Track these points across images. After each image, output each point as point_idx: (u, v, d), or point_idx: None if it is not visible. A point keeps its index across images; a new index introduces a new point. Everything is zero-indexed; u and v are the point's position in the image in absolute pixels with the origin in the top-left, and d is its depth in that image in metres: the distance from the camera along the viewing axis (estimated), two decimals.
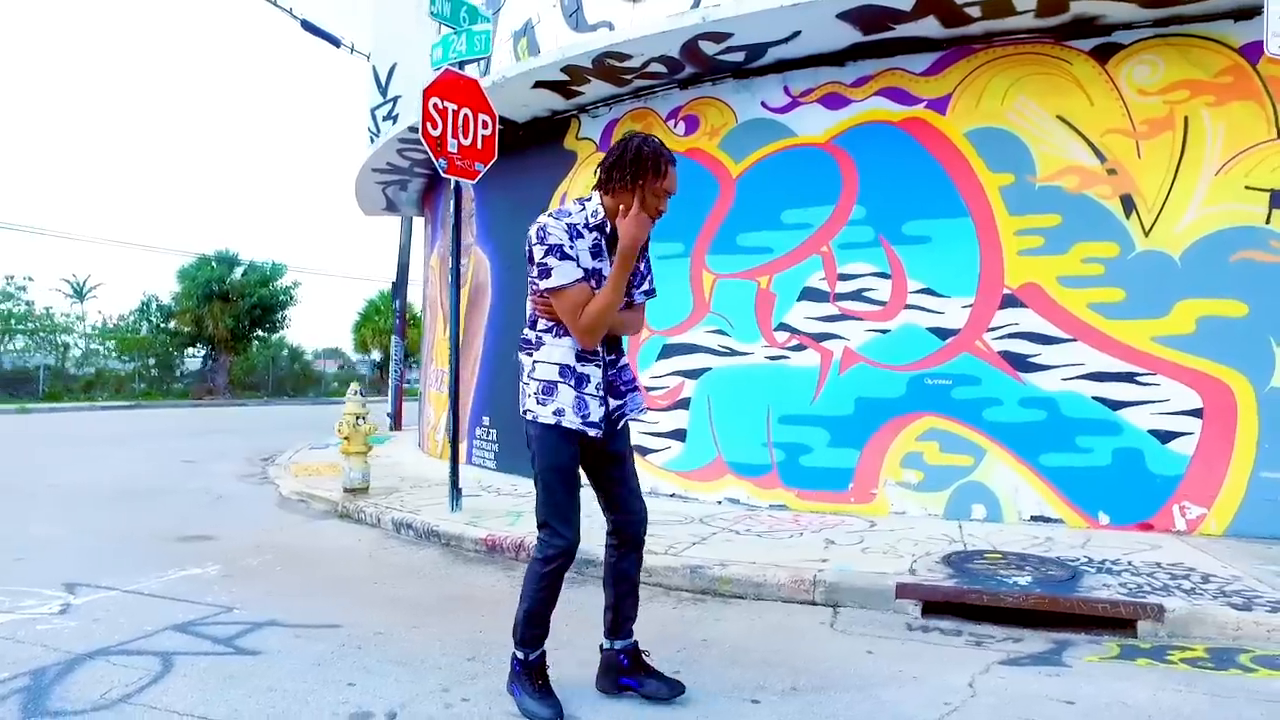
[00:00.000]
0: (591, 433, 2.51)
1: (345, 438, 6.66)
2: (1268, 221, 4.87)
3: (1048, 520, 5.22)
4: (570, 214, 2.50)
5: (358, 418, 6.68)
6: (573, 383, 2.50)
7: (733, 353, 6.17)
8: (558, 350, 2.51)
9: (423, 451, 10.09)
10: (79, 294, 40.78)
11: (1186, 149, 5.03)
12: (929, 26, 5.25)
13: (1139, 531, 5.00)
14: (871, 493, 5.65)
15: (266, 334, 27.27)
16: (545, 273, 2.44)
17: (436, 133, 5.39)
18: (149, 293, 26.76)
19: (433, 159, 5.41)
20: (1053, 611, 3.61)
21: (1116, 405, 5.11)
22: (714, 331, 6.25)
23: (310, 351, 41.76)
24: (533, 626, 2.57)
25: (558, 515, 2.51)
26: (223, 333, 24.58)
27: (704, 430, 6.25)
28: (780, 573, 4.05)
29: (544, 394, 2.50)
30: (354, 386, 6.95)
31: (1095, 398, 5.15)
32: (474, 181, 5.74)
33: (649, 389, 6.45)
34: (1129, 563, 4.23)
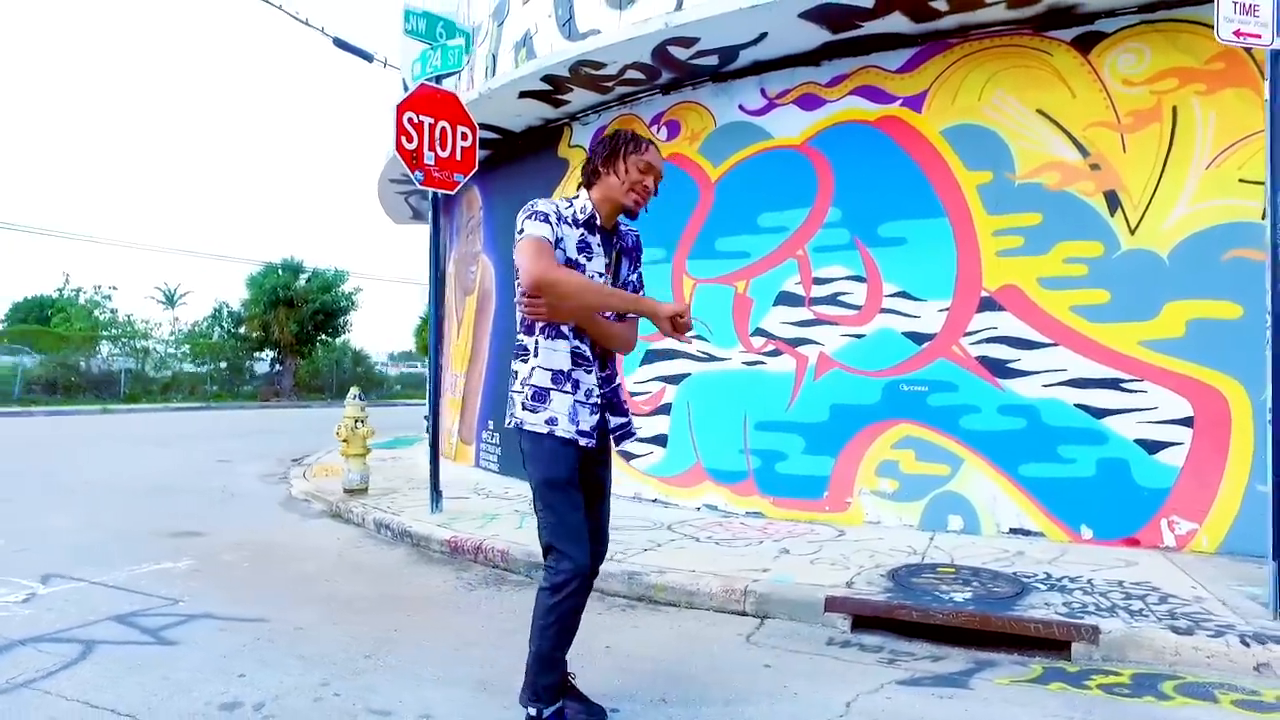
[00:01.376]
0: (583, 442, 2.34)
1: (344, 440, 6.93)
2: (1264, 217, 4.51)
3: (1027, 533, 4.98)
4: (559, 206, 2.41)
5: (356, 421, 6.94)
6: (568, 388, 2.34)
7: (711, 358, 6.12)
8: (553, 355, 2.35)
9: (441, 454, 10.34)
10: (170, 301, 43.70)
11: (1175, 141, 4.72)
12: (898, 22, 5.10)
13: (1124, 547, 4.71)
14: (846, 501, 5.51)
15: (330, 338, 28.44)
16: (520, 231, 2.31)
17: (411, 146, 5.57)
18: (220, 300, 28.37)
19: (408, 172, 5.59)
20: (983, 630, 3.47)
21: (1101, 413, 4.84)
22: (693, 337, 6.21)
23: (385, 355, 43.33)
24: (546, 673, 2.28)
25: (561, 534, 2.27)
26: (288, 337, 25.78)
27: (684, 436, 6.22)
28: (714, 582, 4.00)
29: (534, 400, 2.35)
30: (353, 391, 7.21)
31: (1078, 405, 4.89)
32: (453, 192, 5.89)
33: (633, 394, 6.46)
34: (1089, 580, 4.00)
